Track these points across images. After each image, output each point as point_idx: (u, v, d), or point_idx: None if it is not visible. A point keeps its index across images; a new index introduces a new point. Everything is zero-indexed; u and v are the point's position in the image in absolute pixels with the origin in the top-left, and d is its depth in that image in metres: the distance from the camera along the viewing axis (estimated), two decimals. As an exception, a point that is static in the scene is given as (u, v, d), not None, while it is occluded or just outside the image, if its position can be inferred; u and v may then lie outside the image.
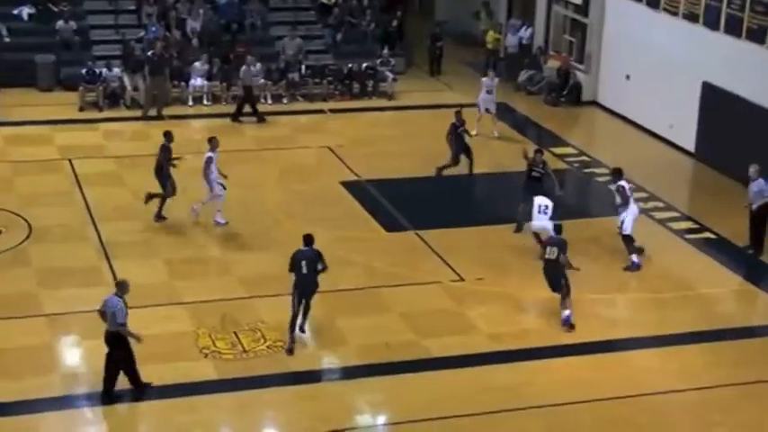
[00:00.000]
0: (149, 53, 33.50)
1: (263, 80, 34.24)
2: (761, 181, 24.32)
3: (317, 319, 21.14)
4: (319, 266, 20.17)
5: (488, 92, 32.01)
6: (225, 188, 24.96)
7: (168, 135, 25.60)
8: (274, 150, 30.29)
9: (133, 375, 18.54)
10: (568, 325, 21.15)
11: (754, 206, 24.48)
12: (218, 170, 24.95)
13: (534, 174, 25.27)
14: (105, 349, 18.38)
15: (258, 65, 34.06)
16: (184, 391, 18.67)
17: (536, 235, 24.14)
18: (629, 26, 33.77)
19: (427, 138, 30.74)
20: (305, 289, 20.19)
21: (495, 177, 29.06)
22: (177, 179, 25.14)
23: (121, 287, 18.67)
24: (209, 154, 24.92)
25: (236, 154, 29.16)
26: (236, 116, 32.75)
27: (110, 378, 18.37)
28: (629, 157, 29.37)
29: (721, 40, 29.65)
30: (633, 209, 24.07)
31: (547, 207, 24.12)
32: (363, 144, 30.90)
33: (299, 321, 20.21)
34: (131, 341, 18.40)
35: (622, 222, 23.94)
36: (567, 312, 21.24)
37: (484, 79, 32.40)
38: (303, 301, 20.18)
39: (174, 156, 25.14)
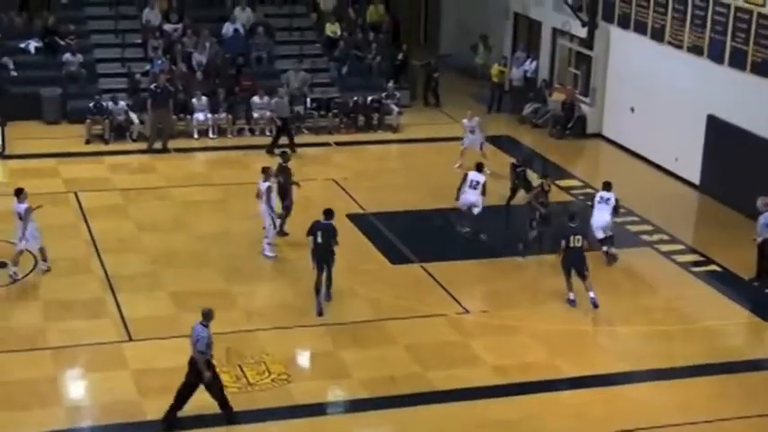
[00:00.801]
0: (153, 86, 33.61)
1: (268, 113, 34.41)
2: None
3: (322, 351, 21.16)
4: (332, 241, 22.53)
5: (471, 131, 31.86)
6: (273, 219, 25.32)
7: (284, 155, 27.44)
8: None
9: (222, 399, 18.63)
10: (595, 304, 23.12)
11: (760, 239, 24.47)
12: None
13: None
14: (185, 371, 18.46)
15: (266, 98, 34.27)
16: (189, 425, 18.59)
17: (469, 209, 26.01)
18: (634, 59, 33.85)
19: (432, 171, 30.81)
20: (321, 257, 22.56)
21: (500, 210, 29.03)
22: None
23: (206, 316, 18.65)
24: (267, 184, 25.14)
25: (241, 187, 29.21)
26: (271, 148, 32.83)
27: (179, 402, 18.39)
28: (635, 190, 29.39)
29: (726, 73, 29.70)
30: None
31: (478, 183, 25.88)
32: (368, 177, 30.94)
33: (323, 292, 22.64)
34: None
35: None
36: (592, 293, 23.21)
37: (464, 120, 32.29)
38: (324, 271, 22.59)
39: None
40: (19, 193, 23.87)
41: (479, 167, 27.01)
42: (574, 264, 23.29)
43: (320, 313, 22.34)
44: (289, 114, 33.45)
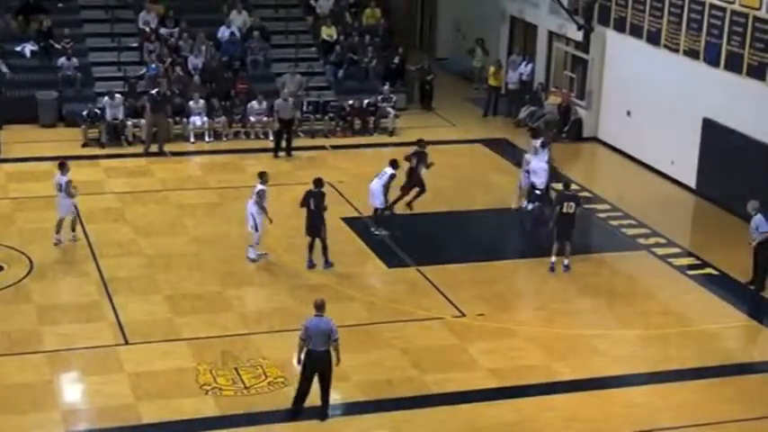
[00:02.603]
0: (155, 91, 33.63)
1: (265, 118, 34.46)
2: (759, 217, 24.34)
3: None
4: (321, 206, 24.49)
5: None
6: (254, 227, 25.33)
7: (421, 142, 28.58)
8: (276, 186, 30.24)
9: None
10: (567, 268, 25.04)
11: (754, 242, 24.50)
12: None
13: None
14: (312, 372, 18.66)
15: (264, 103, 34.32)
16: (185, 428, 18.61)
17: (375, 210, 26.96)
18: (630, 62, 33.87)
19: (429, 174, 30.73)
20: (313, 224, 24.59)
21: (496, 213, 29.06)
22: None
23: (320, 307, 18.75)
24: (262, 187, 25.17)
25: (237, 190, 29.24)
26: (276, 151, 33.02)
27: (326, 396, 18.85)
28: (631, 193, 29.43)
29: (722, 76, 29.74)
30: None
31: (384, 174, 26.70)
32: (365, 180, 30.82)
33: (323, 258, 24.68)
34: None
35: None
36: (567, 261, 25.07)
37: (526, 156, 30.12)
38: (320, 240, 24.59)
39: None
40: (62, 166, 25.94)
41: (393, 164, 27.20)
42: (563, 228, 24.90)
43: (312, 266, 24.75)
44: (291, 116, 33.47)
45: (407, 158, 28.08)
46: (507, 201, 29.46)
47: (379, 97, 36.38)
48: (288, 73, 36.33)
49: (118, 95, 33.90)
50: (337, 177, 30.81)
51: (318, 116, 35.68)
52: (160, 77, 34.72)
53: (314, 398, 19.09)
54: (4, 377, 19.92)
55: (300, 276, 24.54)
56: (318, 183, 24.87)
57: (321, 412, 18.85)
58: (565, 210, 24.88)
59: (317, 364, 18.56)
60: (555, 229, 25.19)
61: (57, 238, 25.59)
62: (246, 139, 34.61)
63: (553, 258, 25.09)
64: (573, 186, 30.83)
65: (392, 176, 26.98)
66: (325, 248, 24.79)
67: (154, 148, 32.86)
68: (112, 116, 33.46)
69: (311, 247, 24.85)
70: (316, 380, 18.67)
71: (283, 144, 33.17)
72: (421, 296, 23.94)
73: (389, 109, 36.16)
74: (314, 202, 24.60)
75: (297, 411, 18.83)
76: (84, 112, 33.59)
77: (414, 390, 20.07)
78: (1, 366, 20.30)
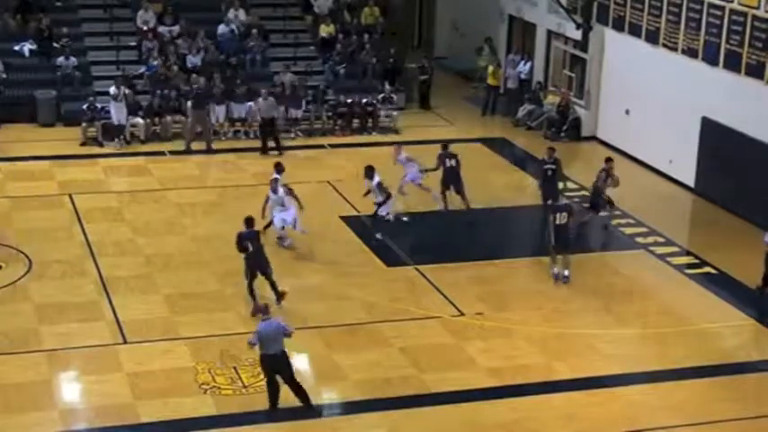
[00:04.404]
0: (194, 87, 34.01)
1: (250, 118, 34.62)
2: None
3: (317, 353, 21.15)
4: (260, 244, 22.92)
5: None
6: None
7: (446, 145, 28.64)
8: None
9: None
10: (565, 280, 24.59)
11: None
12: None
13: (547, 170, 27.76)
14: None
15: (249, 103, 34.41)
16: (184, 427, 18.62)
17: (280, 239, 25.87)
18: (629, 61, 33.86)
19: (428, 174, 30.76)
20: (257, 264, 22.67)
21: (494, 212, 29.07)
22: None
23: (264, 311, 19.23)
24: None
25: (236, 190, 29.25)
26: (263, 150, 33.04)
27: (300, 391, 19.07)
28: (629, 192, 29.37)
29: (721, 75, 29.73)
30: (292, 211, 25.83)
31: (282, 202, 25.61)
32: (363, 179, 30.88)
33: (274, 296, 22.68)
34: None
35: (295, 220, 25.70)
36: (567, 272, 24.60)
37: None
38: (266, 278, 22.74)
39: None
40: None
41: (278, 168, 26.80)
42: (558, 239, 24.46)
43: (261, 310, 20.30)
44: (275, 115, 33.41)
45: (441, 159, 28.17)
46: (505, 199, 29.51)
47: (379, 96, 36.36)
48: (281, 71, 36.28)
49: (123, 94, 33.80)
50: (335, 176, 30.84)
51: (317, 114, 35.63)
52: (160, 74, 34.74)
53: (314, 398, 19.14)
54: (2, 376, 19.91)
55: (299, 276, 24.53)
56: (249, 222, 22.98)
57: (307, 408, 18.92)
58: (558, 221, 24.51)
59: (273, 365, 18.76)
60: (552, 241, 24.68)
61: None
62: (246, 139, 34.59)
63: (555, 270, 24.75)
64: (571, 185, 31.03)
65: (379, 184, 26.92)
66: (272, 284, 22.88)
67: (196, 146, 32.93)
68: (118, 119, 33.38)
69: (252, 289, 22.75)
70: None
71: (272, 144, 33.19)
72: (419, 295, 23.95)
73: (389, 107, 36.14)
74: (252, 244, 22.72)
75: (275, 408, 19.06)
76: (85, 106, 33.61)
77: (412, 389, 20.07)
78: (0, 365, 20.31)
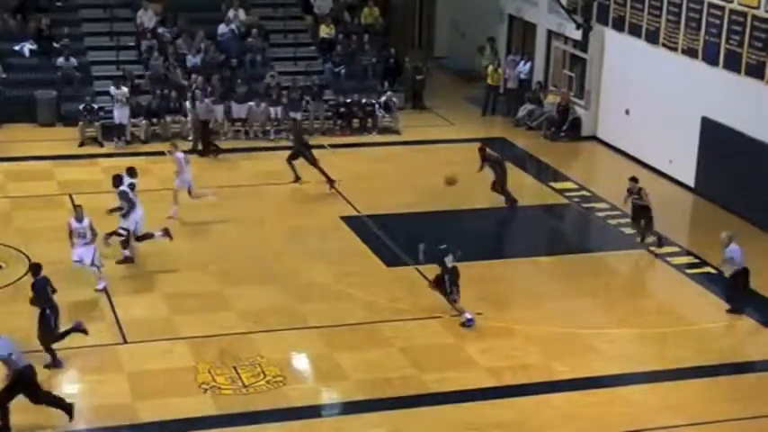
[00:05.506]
0: (194, 86, 34.04)
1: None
2: (733, 247, 23.55)
3: (317, 353, 21.15)
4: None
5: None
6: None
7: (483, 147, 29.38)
8: (273, 185, 30.33)
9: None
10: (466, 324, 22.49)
11: (727, 273, 23.78)
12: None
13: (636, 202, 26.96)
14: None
15: (263, 105, 34.39)
16: (184, 427, 18.62)
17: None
18: (629, 61, 33.87)
19: (427, 173, 30.76)
20: (55, 312, 20.56)
21: (494, 213, 29.07)
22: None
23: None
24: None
25: (234, 189, 29.23)
26: (205, 151, 32.83)
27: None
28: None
29: (720, 75, 29.73)
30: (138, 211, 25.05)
31: (85, 234, 23.43)
32: (363, 179, 30.94)
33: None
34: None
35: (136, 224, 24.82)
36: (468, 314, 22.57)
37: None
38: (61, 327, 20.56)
39: None
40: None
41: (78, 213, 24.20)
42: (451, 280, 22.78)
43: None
44: (207, 118, 33.28)
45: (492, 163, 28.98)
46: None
47: (380, 96, 36.35)
48: (269, 73, 36.30)
49: (124, 87, 33.75)
50: (336, 176, 30.80)
51: (317, 114, 35.63)
52: (160, 74, 34.81)
53: (314, 398, 19.15)
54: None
55: (299, 275, 24.53)
56: (37, 270, 21.00)
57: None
58: (449, 264, 22.74)
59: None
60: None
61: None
62: (245, 139, 34.59)
63: (467, 314, 22.72)
64: (571, 185, 31.06)
65: None
66: (64, 335, 20.72)
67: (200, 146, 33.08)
68: (120, 119, 33.40)
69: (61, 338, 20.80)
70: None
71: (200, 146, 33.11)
72: (420, 295, 23.93)
73: (390, 107, 36.17)
74: (51, 290, 20.84)
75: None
76: (81, 106, 33.63)
77: (412, 389, 20.07)
78: (-1, 365, 20.32)
